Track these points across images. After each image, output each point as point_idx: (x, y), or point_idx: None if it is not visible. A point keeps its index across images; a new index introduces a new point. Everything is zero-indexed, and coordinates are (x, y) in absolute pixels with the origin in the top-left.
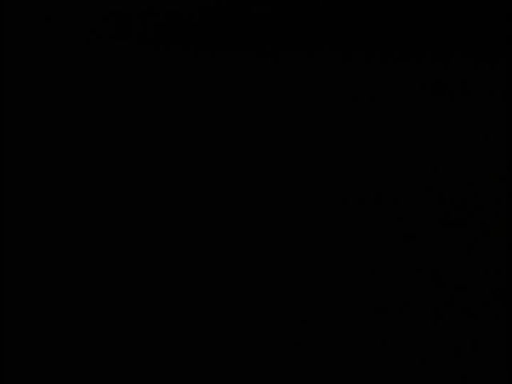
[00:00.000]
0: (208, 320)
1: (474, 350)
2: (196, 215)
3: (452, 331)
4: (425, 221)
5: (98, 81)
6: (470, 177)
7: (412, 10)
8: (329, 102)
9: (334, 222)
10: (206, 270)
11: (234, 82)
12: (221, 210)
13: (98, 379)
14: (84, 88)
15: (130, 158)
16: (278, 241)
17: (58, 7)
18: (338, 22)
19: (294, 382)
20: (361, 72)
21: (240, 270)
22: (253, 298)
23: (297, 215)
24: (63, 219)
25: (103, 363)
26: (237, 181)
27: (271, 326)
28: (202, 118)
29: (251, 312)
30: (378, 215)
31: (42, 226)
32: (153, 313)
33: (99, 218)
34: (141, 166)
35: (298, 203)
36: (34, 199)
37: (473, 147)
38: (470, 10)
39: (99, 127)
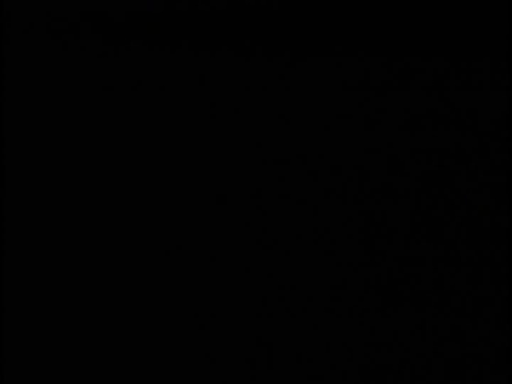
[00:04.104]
0: (208, 320)
1: (474, 350)
2: (195, 216)
3: (452, 332)
4: (423, 221)
5: (93, 81)
6: (471, 176)
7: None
8: (323, 101)
9: (330, 221)
10: (205, 271)
11: (226, 82)
12: (220, 211)
13: (98, 379)
14: (80, 89)
15: (126, 159)
16: (276, 241)
17: (56, 9)
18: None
19: (293, 382)
20: (361, 69)
21: (239, 270)
22: (252, 298)
23: (295, 215)
24: (63, 220)
25: (103, 363)
26: (234, 180)
27: (270, 327)
28: (197, 119)
29: (251, 312)
30: (374, 213)
31: (41, 226)
32: (153, 313)
33: (99, 219)
34: (138, 166)
35: (297, 203)
36: (33, 200)
37: (472, 146)
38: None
39: (96, 128)
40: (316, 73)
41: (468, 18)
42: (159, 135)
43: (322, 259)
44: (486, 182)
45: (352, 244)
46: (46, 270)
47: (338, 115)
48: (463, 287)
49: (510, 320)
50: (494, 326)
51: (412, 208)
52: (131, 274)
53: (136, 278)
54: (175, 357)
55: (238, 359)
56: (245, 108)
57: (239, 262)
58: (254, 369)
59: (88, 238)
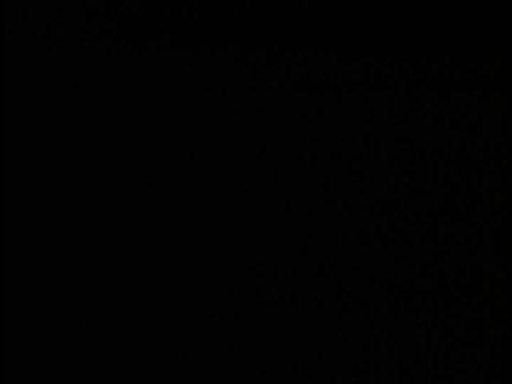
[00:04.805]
0: (208, 320)
1: (473, 349)
2: (194, 216)
3: (451, 331)
4: (422, 221)
5: (92, 82)
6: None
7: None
8: (322, 101)
9: (329, 224)
10: (205, 271)
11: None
12: (218, 212)
13: (98, 379)
14: (79, 90)
15: (126, 160)
16: (275, 242)
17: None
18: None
19: (292, 382)
20: (360, 71)
21: (239, 271)
22: (252, 298)
23: (294, 216)
24: (63, 220)
25: (103, 363)
26: (233, 181)
27: (269, 327)
28: (191, 119)
29: (250, 312)
30: (371, 215)
31: (41, 226)
32: (153, 313)
33: (99, 219)
34: (138, 166)
35: (296, 203)
36: (33, 200)
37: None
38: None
39: (95, 129)
40: (315, 73)
41: (458, 18)
42: (158, 135)
43: (321, 259)
44: (485, 183)
45: (351, 244)
46: (46, 270)
47: (337, 114)
48: (462, 288)
49: (509, 320)
50: (494, 328)
51: (410, 210)
52: (131, 274)
53: (136, 278)
54: (175, 357)
55: (237, 359)
56: (239, 108)
57: (239, 263)
58: (252, 369)
59: (88, 239)
